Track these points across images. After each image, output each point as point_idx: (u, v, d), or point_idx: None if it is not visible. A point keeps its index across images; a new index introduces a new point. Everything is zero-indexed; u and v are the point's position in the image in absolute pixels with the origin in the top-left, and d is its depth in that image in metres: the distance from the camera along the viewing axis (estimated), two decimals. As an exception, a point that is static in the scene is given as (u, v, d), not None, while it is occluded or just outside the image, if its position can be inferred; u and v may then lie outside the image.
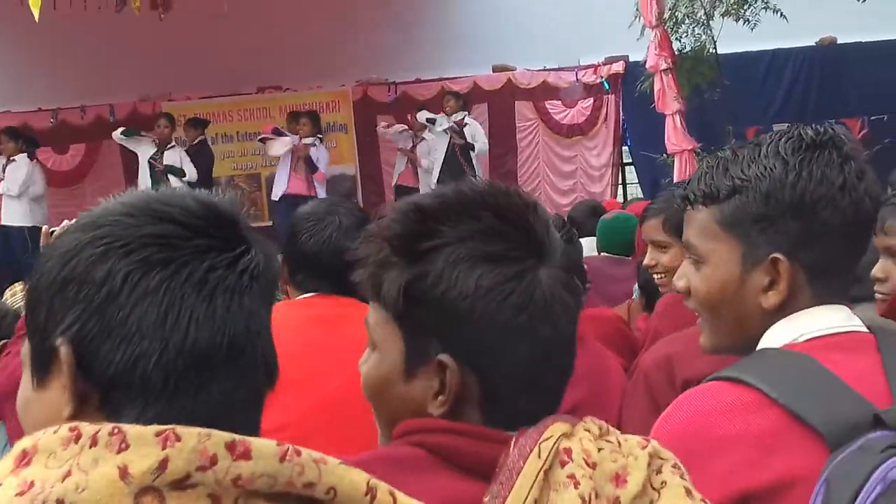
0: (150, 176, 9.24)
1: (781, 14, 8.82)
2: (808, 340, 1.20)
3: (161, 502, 0.71)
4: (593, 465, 0.92)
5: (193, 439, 0.72)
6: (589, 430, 0.96)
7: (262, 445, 0.74)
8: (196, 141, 9.89)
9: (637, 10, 8.24)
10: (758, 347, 1.23)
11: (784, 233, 1.20)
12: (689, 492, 0.95)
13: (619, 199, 10.47)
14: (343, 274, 1.98)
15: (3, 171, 9.07)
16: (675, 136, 7.74)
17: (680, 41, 9.05)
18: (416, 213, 1.01)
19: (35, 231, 8.15)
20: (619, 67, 10.60)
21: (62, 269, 0.82)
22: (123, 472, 0.70)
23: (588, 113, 10.88)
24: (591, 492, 0.90)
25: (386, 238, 1.01)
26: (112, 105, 10.91)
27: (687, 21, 9.13)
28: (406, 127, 10.32)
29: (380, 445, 1.08)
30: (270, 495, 0.74)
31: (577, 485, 0.90)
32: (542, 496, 0.90)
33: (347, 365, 1.89)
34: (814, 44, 10.43)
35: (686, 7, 8.98)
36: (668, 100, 7.70)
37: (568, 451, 0.92)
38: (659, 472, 0.95)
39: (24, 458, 0.73)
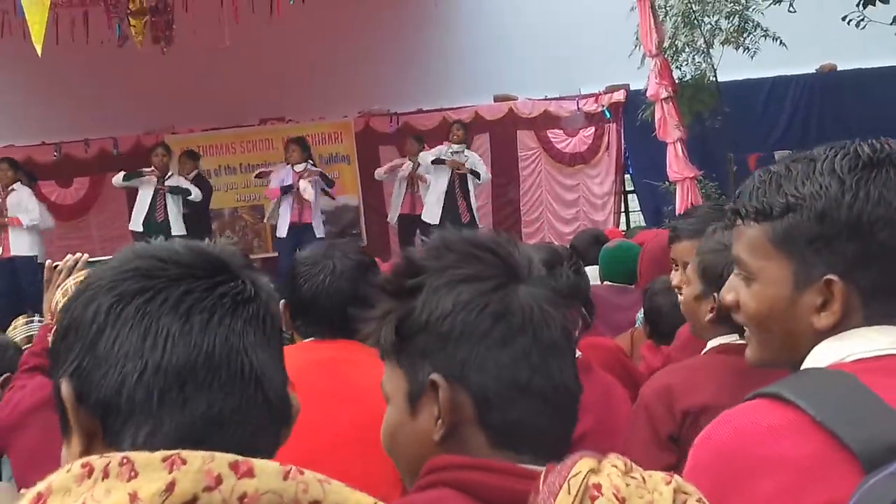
0: (151, 203, 9.20)
1: (781, 42, 8.89)
2: (854, 361, 1.16)
3: None
4: (622, 500, 0.93)
5: (198, 461, 0.74)
6: (616, 466, 0.97)
7: (265, 464, 0.76)
8: (192, 174, 9.91)
9: (637, 39, 8.31)
10: (804, 365, 1.21)
11: (839, 253, 1.16)
12: None
13: (622, 226, 10.49)
14: (340, 317, 1.99)
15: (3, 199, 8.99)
16: (677, 164, 7.76)
17: (680, 69, 9.12)
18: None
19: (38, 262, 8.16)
20: (620, 96, 10.69)
21: (64, 320, 0.89)
22: (133, 498, 0.72)
23: (590, 141, 10.95)
24: None
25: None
26: (115, 138, 10.95)
27: (687, 49, 9.20)
28: (396, 164, 10.26)
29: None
30: None
31: None
32: None
33: (346, 409, 1.89)
34: (814, 71, 10.50)
35: (686, 36, 9.05)
36: (669, 128, 7.72)
37: (598, 487, 0.92)
38: None
39: (40, 500, 0.74)
